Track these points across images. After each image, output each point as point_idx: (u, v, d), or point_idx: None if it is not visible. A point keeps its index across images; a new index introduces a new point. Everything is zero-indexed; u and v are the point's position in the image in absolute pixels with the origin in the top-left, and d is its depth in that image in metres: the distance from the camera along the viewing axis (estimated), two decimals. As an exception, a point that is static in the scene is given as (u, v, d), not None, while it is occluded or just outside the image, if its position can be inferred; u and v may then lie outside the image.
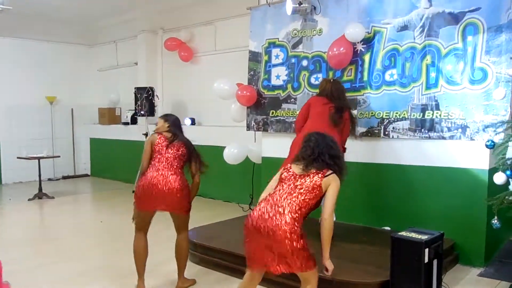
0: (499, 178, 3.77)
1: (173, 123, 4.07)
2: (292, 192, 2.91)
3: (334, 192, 2.93)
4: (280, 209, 2.83)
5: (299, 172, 2.98)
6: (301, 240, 2.79)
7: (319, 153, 2.99)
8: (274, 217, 2.81)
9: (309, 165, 2.98)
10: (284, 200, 2.87)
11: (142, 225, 3.89)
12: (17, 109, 9.90)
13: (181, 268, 4.02)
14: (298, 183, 2.94)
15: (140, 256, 3.87)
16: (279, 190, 2.95)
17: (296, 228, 2.78)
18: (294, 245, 2.76)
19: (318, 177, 2.93)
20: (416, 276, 3.39)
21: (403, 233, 3.57)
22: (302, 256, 2.81)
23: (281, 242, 2.76)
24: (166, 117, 4.14)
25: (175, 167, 3.88)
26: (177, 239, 4.01)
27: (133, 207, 3.90)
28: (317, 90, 5.41)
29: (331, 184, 2.93)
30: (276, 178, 3.11)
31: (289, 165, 3.09)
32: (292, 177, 2.98)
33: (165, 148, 3.90)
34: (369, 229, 5.14)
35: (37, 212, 7.45)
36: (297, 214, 2.83)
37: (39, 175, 8.23)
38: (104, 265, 4.64)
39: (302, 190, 2.90)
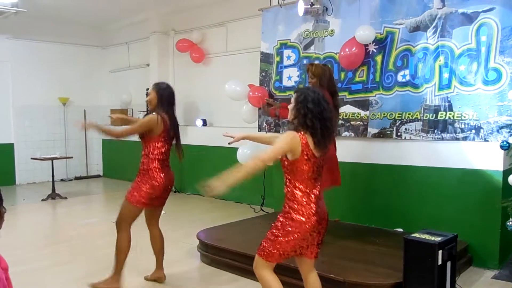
0: (514, 179, 3.74)
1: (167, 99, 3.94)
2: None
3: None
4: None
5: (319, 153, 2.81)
6: None
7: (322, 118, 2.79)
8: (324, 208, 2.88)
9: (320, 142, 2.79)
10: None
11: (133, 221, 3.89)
12: (31, 110, 10.01)
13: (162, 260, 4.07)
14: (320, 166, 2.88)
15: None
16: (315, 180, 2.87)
17: None
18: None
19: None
20: (429, 278, 3.37)
21: (416, 235, 3.55)
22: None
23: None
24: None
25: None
26: (157, 232, 4.03)
27: (134, 204, 3.80)
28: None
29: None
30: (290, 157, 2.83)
31: (305, 144, 2.77)
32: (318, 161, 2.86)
33: (169, 140, 3.88)
34: (382, 231, 5.11)
35: (50, 212, 7.52)
36: None
37: (52, 176, 8.32)
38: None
39: None
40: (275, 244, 2.76)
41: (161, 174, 3.79)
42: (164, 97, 3.88)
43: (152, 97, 3.91)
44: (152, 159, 3.79)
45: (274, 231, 2.79)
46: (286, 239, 2.74)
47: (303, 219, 2.72)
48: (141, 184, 3.79)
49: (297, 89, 2.87)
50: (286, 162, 2.77)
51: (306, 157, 2.69)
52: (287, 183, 2.81)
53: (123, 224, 3.83)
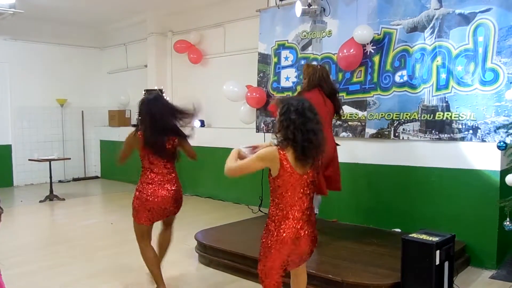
0: (511, 179, 3.75)
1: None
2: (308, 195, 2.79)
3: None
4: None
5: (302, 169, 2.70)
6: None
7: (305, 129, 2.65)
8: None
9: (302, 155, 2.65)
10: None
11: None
12: (28, 112, 9.99)
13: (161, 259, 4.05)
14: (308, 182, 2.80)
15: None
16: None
17: None
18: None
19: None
20: (427, 278, 3.38)
21: (414, 235, 3.56)
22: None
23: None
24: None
25: None
26: (167, 232, 4.04)
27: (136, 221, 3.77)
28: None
29: None
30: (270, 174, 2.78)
31: (285, 160, 2.64)
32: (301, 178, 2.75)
33: (154, 154, 3.76)
34: (380, 231, 5.11)
35: (48, 214, 7.51)
36: None
37: (50, 177, 8.31)
38: (114, 267, 4.66)
39: None
40: (265, 264, 2.65)
41: (149, 187, 3.66)
42: (142, 112, 3.69)
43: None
44: (142, 173, 3.73)
45: (260, 249, 2.70)
46: (271, 259, 2.63)
47: (277, 239, 2.59)
48: (133, 200, 3.74)
49: (281, 100, 2.66)
50: (269, 178, 2.66)
51: (287, 174, 2.55)
52: (270, 201, 2.70)
53: (138, 241, 3.82)
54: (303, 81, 4.62)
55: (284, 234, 2.59)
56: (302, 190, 2.62)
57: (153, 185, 3.66)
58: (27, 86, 9.88)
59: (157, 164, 3.68)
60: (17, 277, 4.22)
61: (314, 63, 5.42)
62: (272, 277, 2.66)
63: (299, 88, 5.87)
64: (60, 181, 10.21)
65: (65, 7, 8.81)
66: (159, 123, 3.60)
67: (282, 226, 2.60)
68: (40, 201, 8.02)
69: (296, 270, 2.90)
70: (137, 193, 3.71)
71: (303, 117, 2.53)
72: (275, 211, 2.65)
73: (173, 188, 3.74)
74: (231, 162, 2.66)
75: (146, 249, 3.78)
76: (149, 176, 3.68)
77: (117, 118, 10.39)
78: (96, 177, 11.12)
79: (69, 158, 9.44)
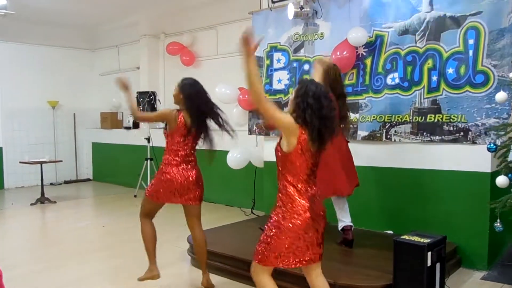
0: (502, 181, 3.77)
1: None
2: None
3: None
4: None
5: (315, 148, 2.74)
6: None
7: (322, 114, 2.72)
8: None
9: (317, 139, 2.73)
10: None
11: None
12: (19, 114, 9.93)
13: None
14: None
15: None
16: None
17: None
18: None
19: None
20: (418, 279, 3.39)
21: (406, 237, 3.57)
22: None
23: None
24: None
25: None
26: (196, 233, 4.07)
27: (147, 195, 3.89)
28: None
29: None
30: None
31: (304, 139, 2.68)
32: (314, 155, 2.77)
33: (185, 136, 3.85)
34: (371, 233, 5.13)
35: (39, 217, 7.46)
36: None
37: (41, 180, 8.24)
38: (106, 269, 4.65)
39: None
40: (269, 246, 2.67)
41: (173, 169, 3.75)
42: (185, 95, 3.80)
43: (175, 93, 3.86)
44: (165, 152, 3.82)
45: (267, 231, 2.70)
46: (279, 238, 2.63)
47: (295, 215, 2.63)
48: (155, 177, 3.86)
49: (300, 80, 2.78)
50: (280, 153, 2.71)
51: (300, 151, 2.61)
52: (279, 176, 2.74)
53: (141, 215, 3.91)
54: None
55: (297, 210, 2.65)
56: (313, 168, 2.71)
57: (179, 167, 3.76)
58: (18, 88, 9.82)
59: (184, 149, 3.78)
60: (8, 280, 4.17)
61: (328, 58, 4.99)
62: None
63: (291, 90, 5.89)
64: (51, 184, 10.14)
65: (57, 8, 8.76)
66: (208, 105, 3.81)
67: (294, 200, 2.67)
68: (31, 204, 7.96)
69: (311, 275, 2.88)
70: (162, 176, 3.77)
71: (319, 104, 2.59)
72: (285, 186, 2.70)
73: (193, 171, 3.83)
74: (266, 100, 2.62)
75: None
76: (177, 159, 3.77)
77: (109, 120, 10.35)
78: (88, 180, 11.06)
79: (61, 161, 9.38)
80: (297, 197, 2.66)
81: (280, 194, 2.73)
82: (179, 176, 3.75)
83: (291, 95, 2.73)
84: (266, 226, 2.75)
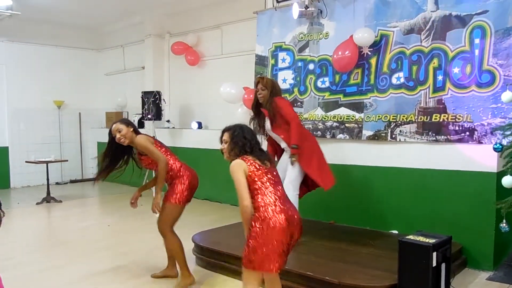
0: (508, 181, 3.75)
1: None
2: (278, 182, 3.07)
3: None
4: (287, 199, 3.06)
5: (265, 165, 3.06)
6: None
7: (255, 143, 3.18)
8: (293, 208, 3.02)
9: (261, 158, 3.09)
10: (283, 191, 3.08)
11: None
12: (25, 114, 9.98)
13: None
14: (274, 174, 3.09)
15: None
16: (275, 184, 3.02)
17: None
18: None
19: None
20: (424, 280, 3.37)
21: (411, 237, 3.55)
22: None
23: (301, 229, 3.00)
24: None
25: None
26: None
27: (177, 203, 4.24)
28: (324, 94, 5.44)
29: None
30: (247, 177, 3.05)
31: (252, 161, 3.04)
32: (268, 170, 3.05)
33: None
34: (376, 233, 5.11)
35: (45, 216, 7.49)
36: None
37: (47, 179, 8.28)
38: (111, 268, 4.66)
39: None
40: (256, 251, 2.91)
41: (186, 172, 4.32)
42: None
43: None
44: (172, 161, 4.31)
45: (251, 241, 2.93)
46: (265, 246, 2.86)
47: (270, 216, 2.86)
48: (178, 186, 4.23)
49: (228, 127, 3.27)
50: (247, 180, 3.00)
51: (255, 169, 2.97)
52: (251, 198, 2.96)
53: (166, 229, 4.20)
54: (260, 91, 4.72)
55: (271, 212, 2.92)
56: (273, 178, 3.06)
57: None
58: (24, 88, 9.88)
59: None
60: (14, 279, 4.20)
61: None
62: None
63: (296, 90, 5.89)
64: (57, 183, 10.19)
65: (62, 8, 8.81)
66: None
67: (267, 207, 2.94)
68: (37, 203, 8.00)
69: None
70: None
71: (250, 134, 3.20)
72: (256, 201, 2.97)
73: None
74: (241, 202, 2.97)
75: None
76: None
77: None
78: (93, 179, 11.07)
79: (66, 160, 9.43)
80: (268, 203, 2.94)
81: (254, 211, 2.99)
82: (192, 177, 4.35)
83: (224, 144, 3.22)
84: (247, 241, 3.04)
